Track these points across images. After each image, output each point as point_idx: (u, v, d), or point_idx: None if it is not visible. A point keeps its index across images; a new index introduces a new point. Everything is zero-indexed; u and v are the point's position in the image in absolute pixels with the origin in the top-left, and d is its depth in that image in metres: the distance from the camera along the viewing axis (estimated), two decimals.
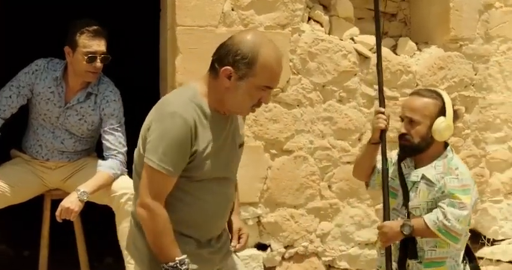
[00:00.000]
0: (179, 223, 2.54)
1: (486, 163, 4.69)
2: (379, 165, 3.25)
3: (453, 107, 3.14)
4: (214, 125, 2.54)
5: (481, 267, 4.50)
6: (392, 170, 3.22)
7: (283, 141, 4.23)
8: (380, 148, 3.20)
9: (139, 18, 6.44)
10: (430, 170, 3.08)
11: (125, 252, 3.83)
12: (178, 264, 2.46)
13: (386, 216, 3.12)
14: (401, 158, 3.23)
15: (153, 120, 2.51)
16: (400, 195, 3.15)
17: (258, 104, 2.55)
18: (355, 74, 4.38)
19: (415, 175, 3.11)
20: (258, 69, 2.45)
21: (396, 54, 4.54)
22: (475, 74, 4.66)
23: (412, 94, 3.22)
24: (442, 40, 4.60)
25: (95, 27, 3.83)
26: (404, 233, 3.02)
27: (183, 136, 2.43)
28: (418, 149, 3.09)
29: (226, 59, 2.48)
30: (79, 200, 3.67)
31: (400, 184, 3.15)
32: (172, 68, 4.05)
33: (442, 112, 3.09)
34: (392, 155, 3.27)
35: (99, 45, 3.83)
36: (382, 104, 3.23)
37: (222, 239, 2.73)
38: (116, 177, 3.85)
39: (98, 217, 4.22)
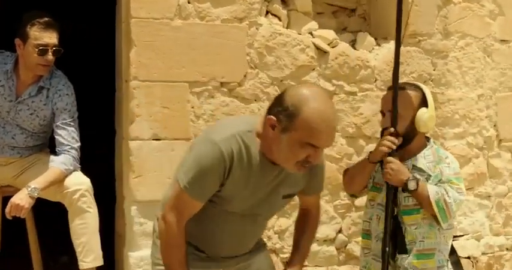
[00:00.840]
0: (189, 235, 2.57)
1: None
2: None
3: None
4: (256, 169, 2.47)
5: None
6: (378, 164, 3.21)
7: None
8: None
9: (98, 11, 6.30)
10: (420, 160, 3.09)
11: (78, 250, 3.77)
12: None
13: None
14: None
15: (197, 141, 2.55)
16: (384, 189, 3.13)
17: (306, 162, 2.39)
18: (314, 69, 4.33)
19: (405, 164, 3.09)
20: (298, 123, 2.33)
21: (355, 49, 4.50)
22: (434, 70, 4.65)
23: (390, 88, 3.19)
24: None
25: (47, 19, 3.74)
26: (409, 186, 3.01)
27: (215, 169, 2.40)
28: (403, 142, 3.09)
29: (274, 108, 2.41)
30: (29, 196, 3.58)
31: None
32: (126, 62, 3.97)
33: (423, 103, 3.10)
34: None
35: (50, 38, 3.74)
36: (394, 122, 3.11)
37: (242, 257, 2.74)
38: (68, 173, 3.76)
39: (55, 215, 4.09)
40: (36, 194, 3.60)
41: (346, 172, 3.38)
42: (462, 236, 4.83)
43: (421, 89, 3.15)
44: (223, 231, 2.61)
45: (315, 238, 2.92)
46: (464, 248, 4.79)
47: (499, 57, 4.87)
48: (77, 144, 3.84)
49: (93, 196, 3.82)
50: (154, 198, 3.90)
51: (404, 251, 3.06)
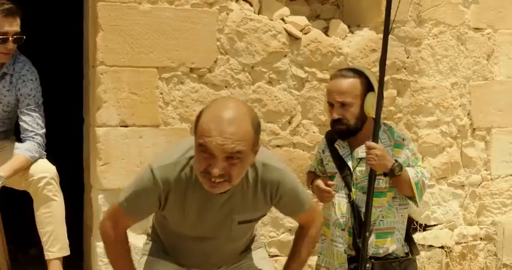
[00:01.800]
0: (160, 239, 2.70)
1: (418, 147, 4.61)
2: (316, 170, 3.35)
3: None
4: (199, 196, 2.40)
5: None
6: (324, 156, 3.24)
7: None
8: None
9: None
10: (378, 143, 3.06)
11: (43, 239, 3.69)
12: None
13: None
14: (331, 141, 3.20)
15: (148, 163, 2.49)
16: (338, 176, 3.14)
17: (207, 172, 2.21)
18: (285, 55, 4.26)
19: (361, 151, 3.08)
20: (197, 126, 2.26)
21: (328, 36, 4.43)
22: (407, 57, 4.60)
23: (334, 77, 3.17)
24: (374, 22, 4.51)
25: (7, 6, 3.63)
26: (395, 172, 3.00)
27: (148, 194, 2.40)
28: (355, 130, 3.09)
29: None
30: None
31: (337, 166, 3.15)
32: (93, 46, 3.87)
33: (369, 88, 3.09)
34: (319, 146, 3.34)
35: (11, 25, 3.63)
36: (375, 138, 3.08)
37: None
38: (33, 160, 3.66)
39: (23, 206, 4.02)
40: (0, 182, 3.51)
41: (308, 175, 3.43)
42: (435, 225, 4.79)
43: (364, 74, 3.13)
44: (184, 246, 2.62)
45: (313, 250, 2.81)
46: (437, 237, 4.76)
47: (473, 46, 4.83)
48: (42, 131, 3.74)
49: (58, 184, 3.74)
50: (121, 186, 3.81)
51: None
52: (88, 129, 4.06)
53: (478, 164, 4.92)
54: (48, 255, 3.73)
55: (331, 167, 3.19)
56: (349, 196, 3.08)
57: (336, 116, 3.09)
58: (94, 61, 3.87)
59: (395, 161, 3.04)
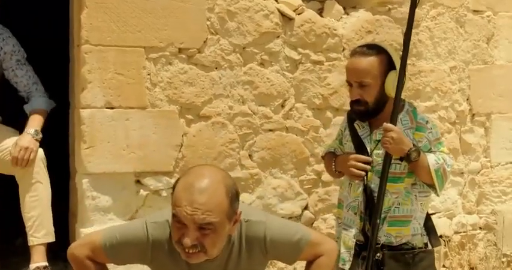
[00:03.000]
0: None
1: None
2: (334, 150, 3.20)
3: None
4: (189, 265, 2.30)
5: None
6: (344, 134, 3.09)
7: (200, 106, 3.94)
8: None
9: None
10: (397, 126, 2.87)
11: (28, 224, 3.62)
12: None
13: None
14: (352, 120, 3.03)
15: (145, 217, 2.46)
16: None
17: (181, 243, 2.16)
18: (278, 36, 4.13)
19: (380, 133, 2.89)
20: (173, 194, 2.20)
21: (323, 17, 4.30)
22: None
23: (354, 55, 2.97)
24: (370, 3, 4.39)
25: None
26: (412, 157, 2.80)
27: (134, 246, 2.34)
28: (375, 111, 2.92)
29: None
30: (34, 139, 3.61)
31: (354, 146, 2.99)
32: (78, 25, 3.73)
33: (390, 66, 2.89)
34: (340, 125, 3.20)
35: None
36: (393, 120, 2.87)
37: None
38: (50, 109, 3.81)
39: (9, 196, 3.95)
40: (39, 137, 3.63)
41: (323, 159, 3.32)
42: (434, 214, 4.60)
43: (385, 51, 2.93)
44: None
45: None
46: (436, 226, 4.52)
47: (472, 28, 4.72)
48: (39, 82, 3.80)
49: (46, 168, 3.67)
50: (107, 170, 3.76)
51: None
52: (73, 111, 3.92)
53: (478, 150, 4.81)
54: (33, 240, 3.64)
55: (348, 147, 3.03)
56: (364, 179, 2.91)
57: (354, 96, 2.92)
58: (78, 40, 3.73)
59: (414, 145, 2.83)
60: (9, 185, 3.75)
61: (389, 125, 2.81)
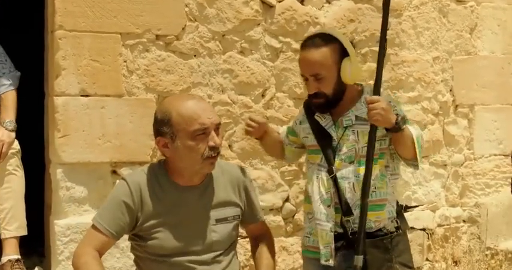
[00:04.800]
0: None
1: None
2: (283, 138, 3.09)
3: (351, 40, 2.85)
4: (172, 197, 2.49)
5: None
6: (302, 128, 2.95)
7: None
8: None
9: None
10: (362, 110, 2.76)
11: (1, 216, 3.56)
12: None
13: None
14: (310, 112, 2.91)
15: None
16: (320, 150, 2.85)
17: (211, 149, 2.43)
18: (259, 24, 4.05)
19: (346, 119, 2.79)
20: (175, 123, 2.41)
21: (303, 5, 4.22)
22: (387, 29, 4.35)
23: (304, 48, 2.82)
24: None
25: None
26: (400, 124, 2.65)
27: (121, 197, 2.45)
28: (335, 101, 2.80)
29: (154, 130, 2.49)
30: (6, 129, 3.55)
31: (318, 138, 2.86)
32: (52, 10, 3.63)
33: (344, 53, 2.77)
34: (297, 116, 3.06)
35: None
36: (377, 91, 2.74)
37: None
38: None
39: None
40: (13, 127, 3.57)
41: None
42: (417, 206, 4.63)
43: (336, 39, 2.79)
44: None
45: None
46: (419, 219, 4.59)
47: (455, 18, 4.67)
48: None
49: (20, 160, 3.62)
50: (82, 160, 3.67)
51: (350, 212, 2.77)
52: (47, 99, 3.82)
53: (461, 142, 4.77)
54: (5, 233, 3.57)
55: (310, 140, 2.89)
56: (330, 170, 2.79)
57: (312, 90, 2.79)
58: (52, 25, 3.64)
59: (397, 114, 2.70)
60: None
61: (374, 97, 2.68)
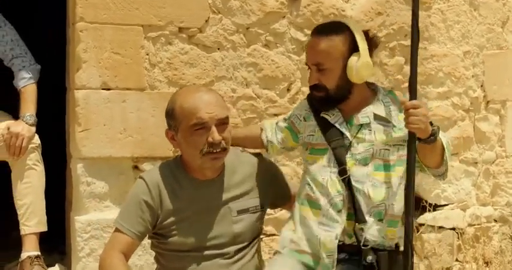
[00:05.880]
0: None
1: None
2: (269, 136, 2.80)
3: (369, 34, 2.60)
4: (190, 191, 2.49)
5: (422, 235, 4.35)
6: (307, 125, 2.70)
7: None
8: None
9: None
10: (379, 108, 2.58)
11: (20, 212, 3.51)
12: None
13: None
14: (315, 109, 2.69)
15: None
16: (330, 149, 2.59)
17: (210, 145, 2.41)
18: (284, 16, 3.96)
19: (363, 116, 2.56)
20: (177, 115, 2.43)
21: None
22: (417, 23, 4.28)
23: (313, 34, 2.63)
24: None
25: None
26: (436, 135, 2.40)
27: (140, 196, 2.46)
28: (337, 98, 2.57)
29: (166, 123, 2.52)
30: (26, 123, 3.49)
31: (326, 136, 2.60)
32: (73, 1, 3.59)
33: (354, 47, 2.54)
34: (297, 110, 2.79)
35: None
36: (413, 94, 2.48)
37: None
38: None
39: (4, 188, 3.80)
40: (33, 121, 3.51)
41: None
42: (446, 205, 4.50)
43: (349, 29, 2.56)
44: None
45: None
46: (448, 218, 4.47)
47: (487, 11, 4.55)
48: (20, 44, 3.67)
49: (40, 154, 3.56)
50: (103, 154, 3.62)
51: (364, 219, 2.53)
52: (68, 93, 3.78)
53: (492, 139, 4.64)
54: (24, 229, 3.52)
55: (317, 138, 2.63)
56: (342, 171, 2.54)
57: (312, 81, 2.59)
58: (74, 18, 3.59)
59: (430, 122, 2.45)
60: (3, 177, 3.65)
61: (416, 101, 2.40)
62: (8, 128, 3.45)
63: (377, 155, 2.55)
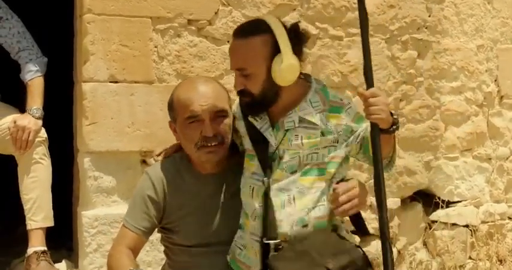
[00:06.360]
0: None
1: (441, 115, 4.29)
2: None
3: (296, 29, 2.37)
4: (193, 187, 2.44)
5: (435, 232, 4.30)
6: (240, 125, 2.49)
7: None
8: None
9: None
10: (307, 110, 2.35)
11: (26, 207, 3.45)
12: None
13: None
14: (245, 113, 2.48)
15: None
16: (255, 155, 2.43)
17: (204, 139, 2.34)
18: (294, 9, 3.92)
19: (288, 121, 2.35)
20: (176, 107, 2.42)
21: None
22: (429, 16, 4.26)
23: (233, 36, 2.41)
24: None
25: None
26: (395, 121, 2.24)
27: (145, 191, 2.43)
28: (264, 103, 2.37)
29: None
30: (33, 117, 3.42)
31: (252, 142, 2.43)
32: None
33: (276, 49, 2.30)
34: (235, 107, 2.54)
35: None
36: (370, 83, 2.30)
37: None
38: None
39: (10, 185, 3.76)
40: (40, 114, 3.44)
41: None
42: (459, 202, 4.45)
43: (270, 28, 2.33)
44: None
45: None
46: (461, 215, 4.43)
47: (501, 5, 4.54)
48: (28, 37, 3.59)
49: (47, 148, 3.50)
50: (110, 148, 3.57)
51: (274, 236, 2.32)
52: (76, 86, 3.73)
53: (506, 135, 4.62)
54: (31, 224, 3.45)
55: (246, 142, 2.46)
56: (263, 182, 2.35)
57: (237, 86, 2.36)
58: (81, 9, 3.54)
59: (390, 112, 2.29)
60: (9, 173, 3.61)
61: (375, 90, 2.23)
62: (15, 122, 3.41)
63: (304, 161, 2.35)
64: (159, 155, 2.59)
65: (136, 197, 2.47)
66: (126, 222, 2.45)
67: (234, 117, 2.48)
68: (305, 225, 2.32)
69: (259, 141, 2.40)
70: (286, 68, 2.28)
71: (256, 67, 2.31)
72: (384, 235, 2.25)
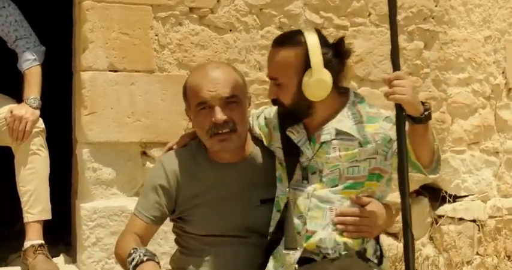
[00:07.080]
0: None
1: (447, 107, 4.22)
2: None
3: (340, 44, 2.35)
4: (209, 177, 2.41)
5: (442, 227, 4.23)
6: (276, 136, 2.48)
7: None
8: None
9: None
10: (344, 122, 2.34)
11: (23, 199, 3.40)
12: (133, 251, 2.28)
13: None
14: (284, 126, 2.46)
15: None
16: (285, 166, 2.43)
17: (215, 127, 2.31)
18: None
19: (324, 134, 2.34)
20: (188, 94, 2.39)
21: None
22: (436, 6, 4.19)
23: (272, 44, 2.42)
24: None
25: None
26: (426, 108, 2.18)
27: (156, 181, 2.42)
28: (298, 114, 2.37)
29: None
30: (30, 106, 3.38)
31: (285, 154, 2.42)
32: None
33: (307, 63, 2.29)
34: (271, 116, 2.53)
35: None
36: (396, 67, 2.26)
37: None
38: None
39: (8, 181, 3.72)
40: (37, 104, 3.40)
41: None
42: (466, 196, 4.38)
43: (304, 42, 2.30)
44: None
45: None
46: (468, 210, 4.35)
47: None
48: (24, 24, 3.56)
49: (44, 139, 3.45)
50: (110, 139, 3.52)
51: (295, 244, 2.34)
52: (75, 75, 3.68)
53: None
54: (28, 217, 3.41)
55: (279, 153, 2.46)
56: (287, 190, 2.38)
57: (270, 95, 2.39)
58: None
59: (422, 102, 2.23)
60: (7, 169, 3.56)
61: (398, 73, 2.19)
62: (11, 111, 3.35)
63: (345, 174, 2.34)
64: (169, 149, 2.55)
65: (147, 186, 2.46)
66: (135, 210, 2.44)
67: (269, 128, 2.49)
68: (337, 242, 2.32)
69: (292, 154, 2.41)
70: (314, 83, 2.28)
71: (287, 78, 2.31)
72: (406, 222, 2.22)
